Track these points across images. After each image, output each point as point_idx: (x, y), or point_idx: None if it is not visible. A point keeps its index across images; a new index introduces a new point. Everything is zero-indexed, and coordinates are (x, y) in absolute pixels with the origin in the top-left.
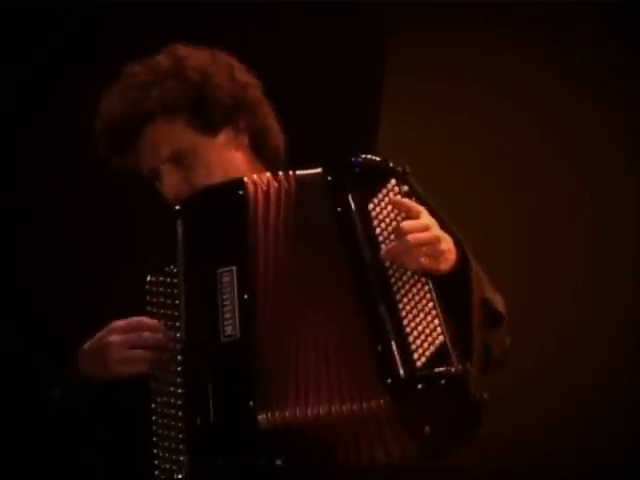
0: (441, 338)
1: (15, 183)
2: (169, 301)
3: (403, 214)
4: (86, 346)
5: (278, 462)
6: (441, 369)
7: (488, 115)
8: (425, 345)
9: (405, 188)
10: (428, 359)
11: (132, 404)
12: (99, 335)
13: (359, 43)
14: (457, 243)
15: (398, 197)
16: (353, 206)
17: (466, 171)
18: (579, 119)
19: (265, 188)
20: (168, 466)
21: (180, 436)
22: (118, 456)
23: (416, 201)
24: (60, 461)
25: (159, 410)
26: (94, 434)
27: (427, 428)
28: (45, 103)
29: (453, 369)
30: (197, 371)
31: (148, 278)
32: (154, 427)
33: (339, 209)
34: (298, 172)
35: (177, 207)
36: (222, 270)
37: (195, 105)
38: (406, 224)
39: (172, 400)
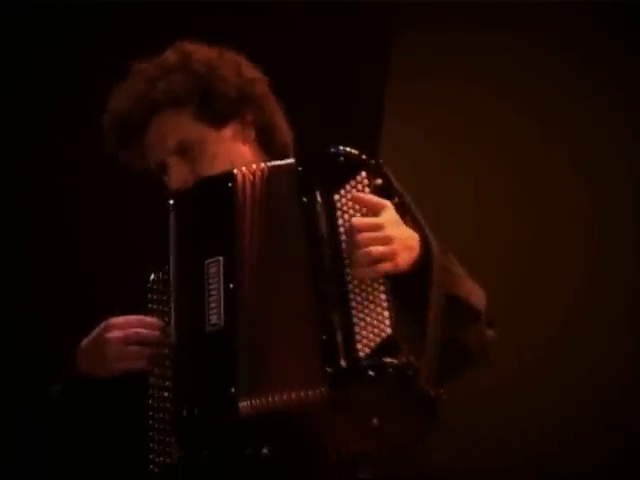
0: (388, 330)
1: (16, 183)
2: (167, 298)
3: (364, 209)
4: (84, 343)
5: (265, 451)
6: (384, 361)
7: (489, 115)
8: (371, 336)
9: (378, 181)
10: (372, 350)
11: (130, 399)
12: (96, 332)
13: (363, 43)
14: (423, 241)
15: (366, 190)
16: (319, 197)
17: (467, 169)
18: (579, 119)
19: (252, 179)
20: (162, 459)
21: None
22: (115, 450)
23: (387, 195)
24: (58, 455)
25: (155, 405)
26: (92, 429)
27: (375, 420)
28: (45, 104)
29: (396, 361)
30: (184, 362)
31: (152, 277)
32: (150, 421)
33: (304, 199)
34: (272, 163)
35: (171, 201)
36: (209, 261)
37: (201, 97)
38: (357, 222)
39: (167, 394)
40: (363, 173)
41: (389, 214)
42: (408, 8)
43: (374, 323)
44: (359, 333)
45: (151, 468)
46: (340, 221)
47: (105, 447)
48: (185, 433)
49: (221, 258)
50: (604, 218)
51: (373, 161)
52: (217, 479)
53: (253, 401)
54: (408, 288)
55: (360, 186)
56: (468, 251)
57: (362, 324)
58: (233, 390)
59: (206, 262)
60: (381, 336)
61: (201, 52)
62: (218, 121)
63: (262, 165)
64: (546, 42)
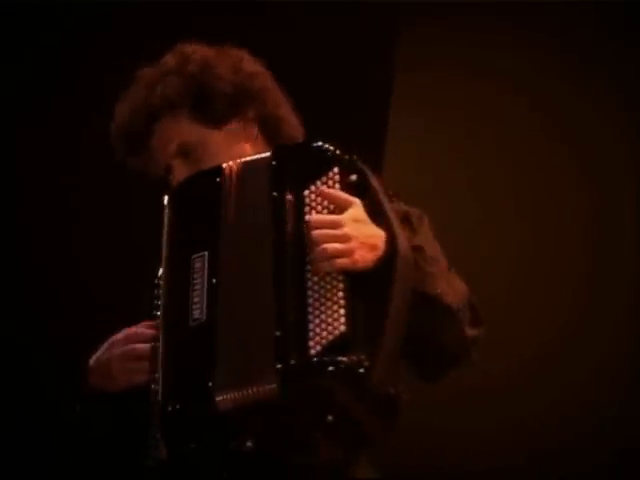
0: (342, 328)
1: (17, 183)
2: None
3: (332, 206)
4: (92, 360)
5: (249, 444)
6: (334, 359)
7: (493, 112)
8: (324, 334)
9: (352, 177)
10: (324, 347)
11: (135, 402)
12: (103, 349)
13: (369, 40)
14: (390, 239)
15: (337, 186)
16: (289, 192)
17: (470, 166)
18: (582, 118)
19: (233, 173)
20: (156, 453)
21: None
22: (122, 452)
23: (359, 192)
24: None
25: (152, 401)
26: (107, 438)
27: (329, 417)
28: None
29: (346, 359)
30: (169, 356)
31: (159, 272)
32: (148, 418)
33: (274, 193)
34: (249, 157)
35: (165, 197)
36: (195, 256)
37: (197, 98)
38: (315, 218)
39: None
40: (336, 169)
41: (355, 212)
42: (414, 6)
43: (328, 320)
44: (313, 330)
45: (147, 463)
46: (307, 217)
47: (115, 451)
48: (169, 428)
49: (206, 253)
50: (604, 214)
51: (347, 157)
52: (204, 473)
53: (229, 395)
54: (370, 285)
55: (331, 182)
56: (469, 245)
57: (317, 321)
58: (210, 384)
59: (192, 257)
60: (334, 333)
61: (199, 53)
62: (217, 120)
63: (241, 159)
64: (547, 40)
